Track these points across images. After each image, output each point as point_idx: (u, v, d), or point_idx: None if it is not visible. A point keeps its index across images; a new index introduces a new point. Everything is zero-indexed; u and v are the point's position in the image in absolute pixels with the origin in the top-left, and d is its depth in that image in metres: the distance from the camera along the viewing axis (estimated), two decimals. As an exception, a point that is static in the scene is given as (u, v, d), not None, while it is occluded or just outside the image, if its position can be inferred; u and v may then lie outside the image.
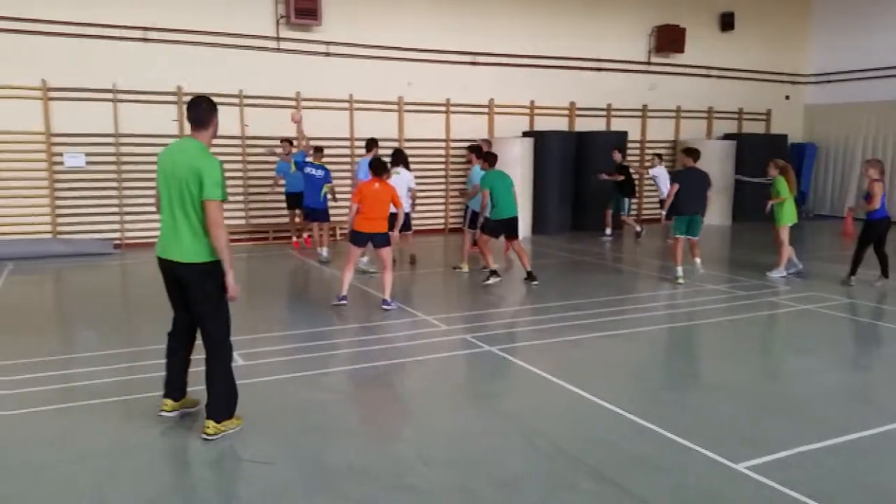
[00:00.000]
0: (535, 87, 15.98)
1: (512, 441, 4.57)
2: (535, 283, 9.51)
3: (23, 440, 4.51)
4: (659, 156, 14.68)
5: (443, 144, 15.27)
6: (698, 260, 9.93)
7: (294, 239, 13.14)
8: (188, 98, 12.54)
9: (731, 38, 18.26)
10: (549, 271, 10.88)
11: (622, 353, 6.69)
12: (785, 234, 9.98)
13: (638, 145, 17.38)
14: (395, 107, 14.73)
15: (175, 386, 4.79)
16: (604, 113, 17.02)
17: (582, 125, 16.53)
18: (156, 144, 12.52)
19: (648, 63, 17.39)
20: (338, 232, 14.24)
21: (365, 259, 10.38)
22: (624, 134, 16.25)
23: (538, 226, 14.99)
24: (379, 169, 8.28)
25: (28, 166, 12.05)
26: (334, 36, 13.87)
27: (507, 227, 9.55)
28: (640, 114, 17.47)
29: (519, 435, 4.67)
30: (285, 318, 8.21)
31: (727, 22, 18.09)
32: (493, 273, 9.37)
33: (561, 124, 16.39)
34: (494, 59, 15.47)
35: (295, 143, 12.24)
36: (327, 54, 13.93)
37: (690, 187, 9.60)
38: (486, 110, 15.64)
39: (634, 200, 14.56)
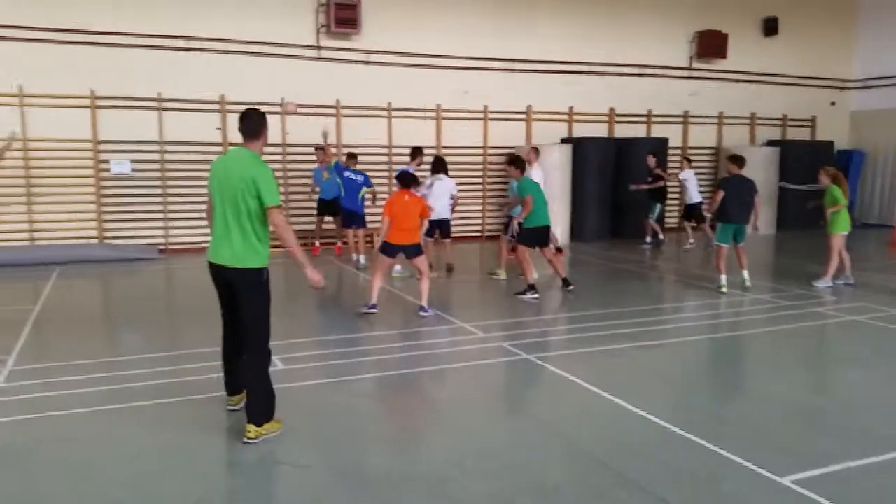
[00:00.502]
0: (574, 92, 15.90)
1: (550, 450, 4.53)
2: (570, 288, 9.43)
3: (72, 439, 4.62)
4: (687, 158, 14.46)
5: (480, 151, 15.26)
6: (746, 273, 9.70)
7: (316, 244, 13.14)
8: (230, 106, 12.98)
9: (774, 44, 17.93)
10: (587, 279, 10.78)
11: (663, 363, 6.59)
12: (837, 243, 9.71)
13: (679, 151, 17.12)
14: (432, 114, 14.78)
15: (238, 384, 4.95)
16: (644, 119, 16.84)
17: (621, 131, 16.38)
18: (199, 152, 12.85)
19: (690, 69, 17.16)
20: (375, 238, 14.32)
21: (398, 268, 10.43)
22: (664, 140, 16.06)
23: (576, 233, 14.87)
24: (407, 181, 8.30)
25: (76, 173, 12.39)
26: (373, 44, 14.00)
27: (541, 237, 9.44)
28: (681, 120, 17.24)
29: (557, 444, 4.62)
30: (322, 324, 8.27)
31: (771, 27, 17.76)
32: (531, 288, 9.16)
33: (600, 130, 16.26)
34: (532, 65, 15.43)
35: (328, 150, 12.43)
36: (366, 62, 14.06)
37: (737, 195, 9.42)
38: (523, 117, 15.60)
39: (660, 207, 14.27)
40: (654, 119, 16.91)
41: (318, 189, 12.97)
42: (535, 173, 11.78)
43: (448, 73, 14.73)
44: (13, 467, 4.22)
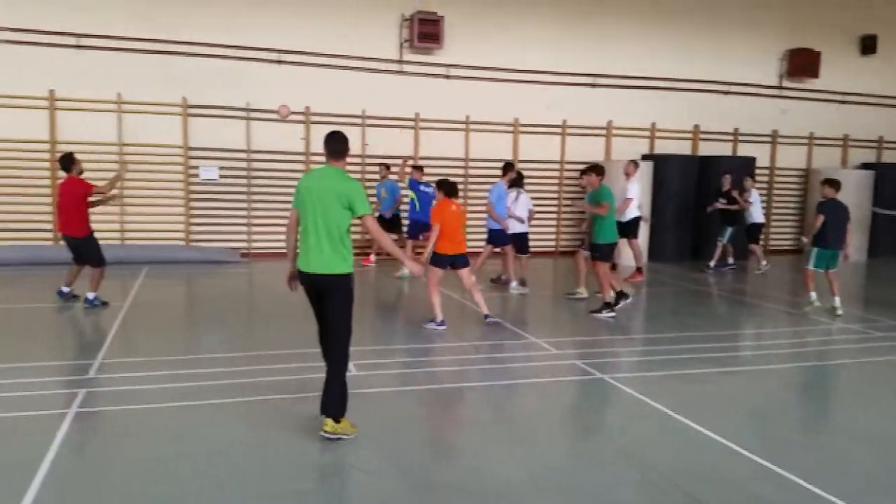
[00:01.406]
0: (657, 109, 15.57)
1: (625, 473, 4.39)
2: (624, 300, 9.14)
3: (155, 432, 4.78)
4: (752, 177, 13.86)
5: (557, 166, 15.12)
6: (838, 300, 9.21)
7: (371, 256, 13.00)
8: (315, 118, 13.28)
9: (871, 63, 17.08)
10: (666, 300, 10.50)
11: (745, 390, 6.30)
12: None
13: (767, 172, 16.54)
14: (510, 128, 14.76)
15: None
16: (730, 137, 16.32)
17: (706, 150, 15.92)
18: (284, 161, 13.22)
19: (780, 87, 16.55)
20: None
21: (514, 284, 10.41)
22: (752, 160, 15.51)
23: (655, 253, 14.48)
24: (452, 190, 8.20)
25: (166, 177, 12.94)
26: (454, 58, 14.11)
27: (612, 252, 9.17)
28: (769, 139, 16.63)
29: (632, 467, 4.47)
30: (393, 333, 8.31)
31: (868, 45, 16.93)
32: (608, 306, 8.92)
33: (683, 148, 15.86)
34: (614, 80, 15.21)
35: (396, 167, 12.58)
36: (447, 76, 14.18)
37: (834, 220, 9.01)
38: (603, 132, 15.39)
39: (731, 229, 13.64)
40: (740, 138, 16.37)
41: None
42: (633, 188, 11.59)
43: (527, 88, 14.69)
44: (97, 458, 4.40)
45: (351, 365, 5.49)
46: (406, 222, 12.54)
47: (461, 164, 14.53)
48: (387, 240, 5.12)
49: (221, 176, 13.28)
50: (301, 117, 13.47)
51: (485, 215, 11.00)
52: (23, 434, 4.61)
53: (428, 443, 4.78)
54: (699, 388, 6.27)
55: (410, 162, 12.91)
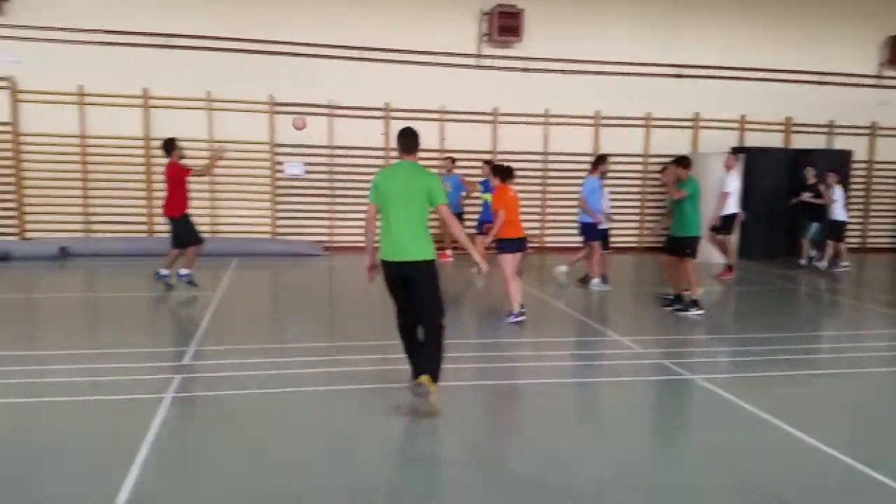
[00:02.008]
0: (747, 100, 14.96)
1: (718, 478, 4.22)
2: (673, 307, 8.77)
3: (246, 417, 4.94)
4: (834, 171, 13.06)
5: (640, 160, 14.76)
6: None
7: (447, 252, 13.03)
8: (394, 113, 13.42)
9: None
10: (756, 299, 10.09)
11: (842, 394, 5.97)
12: None
13: (865, 166, 15.64)
14: (591, 121, 14.50)
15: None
16: (825, 129, 15.52)
17: (799, 142, 15.19)
18: (365, 156, 13.41)
19: (879, 77, 15.61)
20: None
21: (563, 268, 10.29)
22: (848, 153, 14.70)
23: (746, 249, 13.89)
24: (508, 175, 8.09)
25: (254, 173, 13.36)
26: (534, 52, 13.97)
27: (696, 247, 8.71)
28: (867, 132, 15.71)
29: (726, 472, 4.30)
30: (472, 327, 8.30)
31: (978, 29, 15.75)
32: (695, 304, 8.60)
33: (774, 140, 15.18)
34: (702, 70, 14.71)
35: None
36: (525, 70, 14.05)
37: None
38: (690, 124, 14.91)
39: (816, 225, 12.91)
40: (836, 130, 15.54)
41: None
42: (732, 181, 11.22)
43: (609, 80, 14.39)
44: (193, 441, 4.57)
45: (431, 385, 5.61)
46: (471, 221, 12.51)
47: (540, 158, 14.38)
48: (459, 229, 5.45)
49: (305, 171, 13.60)
50: (381, 113, 13.63)
51: (567, 209, 10.84)
52: (125, 416, 4.84)
53: (510, 437, 4.74)
54: (793, 391, 5.98)
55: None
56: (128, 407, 5.02)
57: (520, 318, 7.86)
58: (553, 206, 14.46)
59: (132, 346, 6.62)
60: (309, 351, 6.62)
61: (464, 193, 12.63)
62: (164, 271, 9.38)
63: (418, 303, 5.13)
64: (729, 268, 11.54)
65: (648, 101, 14.59)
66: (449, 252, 12.95)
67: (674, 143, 14.48)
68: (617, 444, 4.71)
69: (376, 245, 5.25)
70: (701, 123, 14.93)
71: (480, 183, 12.06)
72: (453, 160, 12.80)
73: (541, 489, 3.96)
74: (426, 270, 5.11)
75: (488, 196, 11.53)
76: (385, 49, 13.46)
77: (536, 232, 14.58)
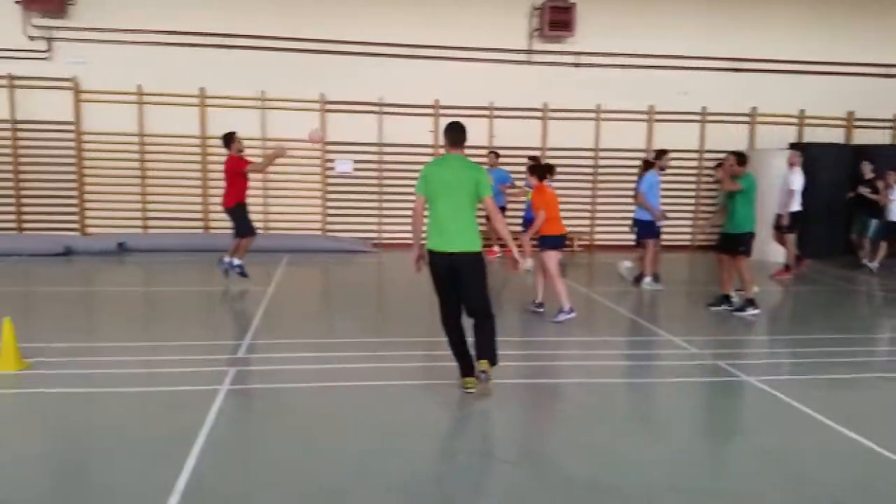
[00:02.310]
0: (807, 94, 14.47)
1: (772, 481, 4.10)
2: (721, 307, 8.55)
3: (295, 411, 5.00)
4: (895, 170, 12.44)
5: (696, 155, 14.43)
6: None
7: (495, 248, 12.93)
8: (443, 111, 13.41)
9: None
10: (815, 299, 9.78)
11: (911, 399, 5.73)
12: None
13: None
14: (644, 116, 14.25)
15: (470, 363, 5.37)
16: (890, 125, 14.92)
17: (862, 138, 14.63)
18: (413, 153, 13.44)
19: (950, 68, 14.94)
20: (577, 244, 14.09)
21: (628, 263, 10.13)
22: (916, 149, 14.11)
23: (804, 248, 13.43)
24: (545, 173, 8.09)
25: (305, 171, 13.53)
26: (585, 46, 13.79)
27: (748, 244, 8.48)
28: (937, 126, 15.06)
29: (782, 477, 4.17)
30: (520, 325, 8.24)
31: None
32: (751, 303, 8.37)
33: (836, 136, 14.67)
34: (758, 63, 14.30)
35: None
36: (576, 65, 13.89)
37: None
38: (747, 119, 14.52)
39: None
40: (902, 125, 14.94)
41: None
42: (797, 179, 10.90)
43: (663, 74, 14.11)
44: (248, 431, 4.65)
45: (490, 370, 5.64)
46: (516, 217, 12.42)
47: (590, 154, 14.21)
48: (502, 222, 5.53)
49: (355, 169, 13.73)
50: (430, 110, 13.65)
51: (617, 206, 10.67)
52: (183, 407, 4.95)
53: (560, 436, 4.69)
54: (854, 394, 5.77)
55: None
56: (185, 398, 5.14)
57: (570, 316, 7.78)
58: (603, 203, 14.26)
59: (188, 339, 6.78)
60: (358, 346, 6.68)
61: (508, 186, 12.53)
62: (226, 259, 9.63)
63: (465, 295, 5.24)
64: (787, 267, 11.20)
65: (704, 96, 14.25)
66: (497, 248, 12.89)
67: (730, 138, 14.10)
68: (669, 446, 4.61)
69: (423, 236, 5.33)
70: (758, 118, 14.52)
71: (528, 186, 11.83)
72: (497, 154, 12.73)
73: (591, 489, 3.91)
74: (474, 262, 5.21)
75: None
76: (434, 46, 13.46)
77: (586, 229, 14.41)
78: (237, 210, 9.50)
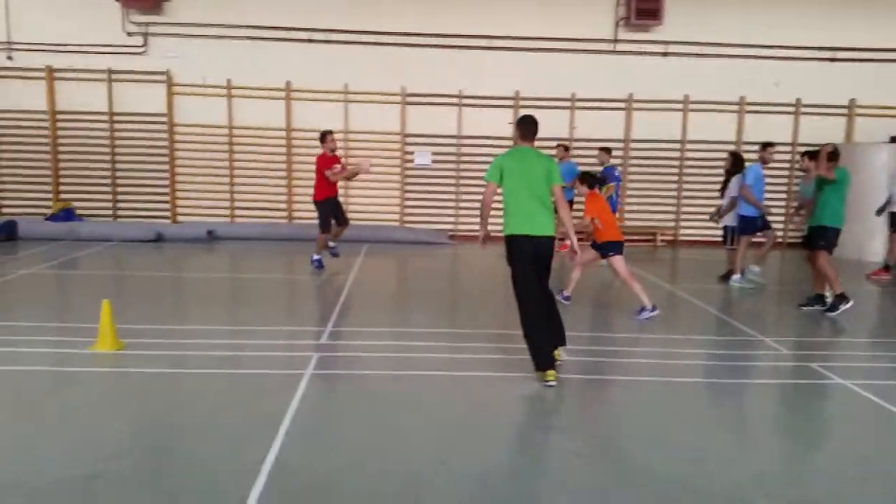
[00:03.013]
0: (912, 84, 13.60)
1: (870, 488, 3.86)
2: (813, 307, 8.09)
3: (376, 397, 5.05)
4: None
5: (789, 148, 13.78)
6: None
7: (566, 242, 12.68)
8: (523, 102, 13.28)
9: None
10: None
11: None
12: None
13: None
14: (734, 107, 13.70)
15: (551, 352, 5.47)
16: None
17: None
18: (491, 146, 13.36)
19: None
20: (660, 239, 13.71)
21: (756, 269, 9.76)
22: None
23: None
24: (595, 182, 8.02)
25: (385, 163, 13.67)
26: (673, 35, 13.37)
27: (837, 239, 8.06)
28: None
29: (879, 483, 3.92)
30: (604, 322, 8.07)
31: None
32: (843, 299, 7.95)
33: (945, 129, 13.73)
34: (858, 53, 13.52)
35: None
36: (664, 54, 13.48)
37: None
38: (844, 111, 13.75)
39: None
40: None
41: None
42: None
43: (754, 64, 13.53)
44: (331, 415, 4.73)
45: (562, 352, 5.75)
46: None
47: (677, 146, 13.78)
48: (567, 212, 5.80)
49: (433, 161, 13.77)
50: (510, 102, 13.54)
51: (704, 200, 10.27)
52: (269, 390, 5.08)
53: (645, 434, 4.55)
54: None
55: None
56: (271, 381, 5.27)
57: (653, 314, 7.57)
58: (689, 197, 13.81)
59: (273, 325, 6.97)
60: (435, 336, 6.69)
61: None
62: (331, 244, 10.07)
63: (540, 276, 5.57)
64: (886, 267, 10.56)
65: (798, 87, 13.59)
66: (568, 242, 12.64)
67: (826, 131, 13.37)
68: (759, 449, 4.41)
69: (510, 219, 5.57)
70: (857, 111, 13.72)
71: (611, 180, 11.55)
72: (566, 147, 12.49)
73: (677, 489, 3.77)
74: (551, 246, 5.62)
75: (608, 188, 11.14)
76: (516, 37, 13.35)
77: (671, 224, 14.00)
78: (322, 205, 9.78)
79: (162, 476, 3.78)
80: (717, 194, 10.63)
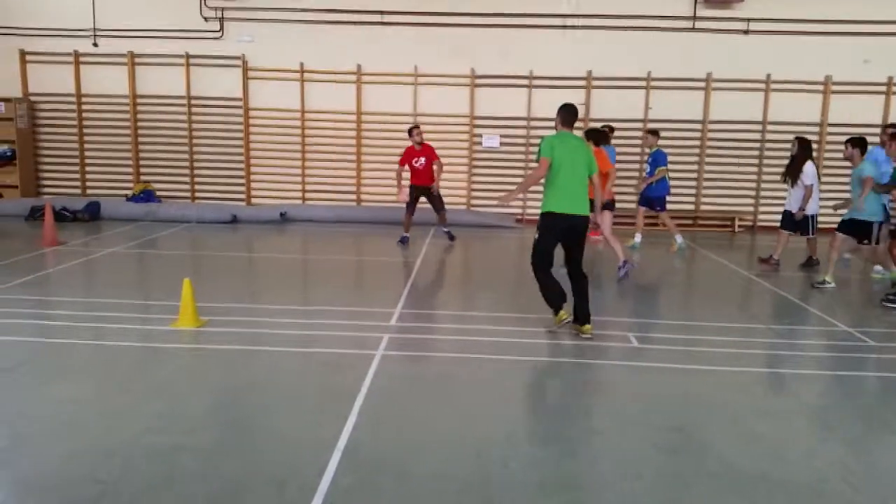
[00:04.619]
0: None
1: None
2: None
3: (450, 377, 5.07)
4: None
5: (877, 130, 12.99)
6: None
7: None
8: (596, 82, 12.97)
9: None
10: None
11: None
12: None
13: None
14: (819, 87, 13.05)
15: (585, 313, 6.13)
16: None
17: None
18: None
19: None
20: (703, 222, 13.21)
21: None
22: None
23: None
24: (599, 137, 9.31)
25: (453, 146, 13.62)
26: (756, 12, 12.80)
27: None
28: None
29: None
30: (676, 308, 7.85)
31: None
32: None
33: None
34: (961, 27, 12.65)
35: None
36: (746, 31, 12.93)
37: None
38: (941, 91, 12.93)
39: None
40: None
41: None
42: None
43: (842, 41, 12.83)
44: (399, 394, 4.76)
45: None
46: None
47: (758, 127, 13.25)
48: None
49: (501, 143, 13.65)
50: (582, 83, 13.27)
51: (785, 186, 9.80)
52: (342, 368, 5.16)
53: (723, 424, 4.40)
54: None
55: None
56: (344, 360, 5.34)
57: (628, 268, 8.47)
58: (770, 181, 13.25)
59: (345, 305, 7.07)
60: (499, 321, 6.65)
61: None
62: (405, 235, 10.99)
63: (576, 251, 6.14)
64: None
65: (891, 65, 12.82)
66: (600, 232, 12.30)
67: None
68: (843, 442, 4.22)
69: (553, 198, 6.05)
70: (951, 88, 12.88)
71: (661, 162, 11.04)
72: (612, 129, 12.08)
73: (758, 481, 3.64)
74: (586, 225, 6.17)
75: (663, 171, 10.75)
76: (588, 15, 13.04)
77: (750, 210, 13.50)
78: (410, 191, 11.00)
79: (244, 448, 3.88)
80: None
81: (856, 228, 8.28)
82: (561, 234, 6.10)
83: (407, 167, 10.86)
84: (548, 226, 6.07)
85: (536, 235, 6.17)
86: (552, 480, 3.63)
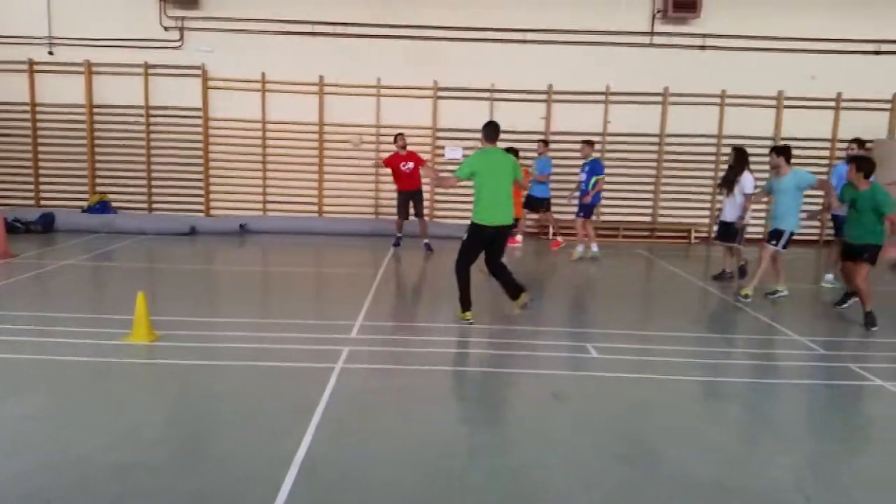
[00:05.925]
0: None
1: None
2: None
3: (401, 391, 5.04)
4: None
5: (828, 145, 13.46)
6: None
7: (558, 239, 12.40)
8: (556, 96, 13.13)
9: None
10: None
11: None
12: None
13: None
14: (772, 102, 13.42)
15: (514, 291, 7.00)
16: None
17: None
18: (524, 140, 13.24)
19: None
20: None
21: (830, 276, 9.59)
22: None
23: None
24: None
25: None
26: (711, 28, 13.14)
27: None
28: None
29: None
30: (638, 318, 7.97)
31: None
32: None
33: None
34: (904, 46, 13.15)
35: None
36: (702, 47, 13.26)
37: None
38: (887, 106, 13.38)
39: None
40: None
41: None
42: None
43: (793, 57, 13.23)
44: (360, 407, 4.72)
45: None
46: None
47: (713, 140, 13.55)
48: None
49: (463, 155, 13.71)
50: (543, 96, 13.43)
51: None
52: (300, 382, 5.11)
53: (678, 434, 4.47)
54: None
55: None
56: (302, 374, 5.29)
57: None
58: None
59: (304, 318, 7.00)
60: (460, 331, 6.69)
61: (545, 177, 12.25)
62: (426, 241, 11.57)
63: (497, 253, 6.88)
64: None
65: (839, 81, 13.26)
66: (560, 239, 12.44)
67: (870, 128, 13.01)
68: (794, 450, 4.33)
69: (482, 208, 6.70)
70: (902, 106, 13.36)
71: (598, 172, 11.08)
72: (546, 142, 12.41)
73: (713, 489, 3.70)
74: (508, 232, 6.95)
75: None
76: (549, 30, 13.22)
77: (706, 221, 13.78)
78: (397, 195, 11.63)
79: (199, 464, 3.82)
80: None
81: (776, 235, 8.32)
82: (487, 241, 6.84)
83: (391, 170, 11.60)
84: (476, 234, 6.79)
85: (465, 238, 6.85)
86: (512, 491, 3.64)
